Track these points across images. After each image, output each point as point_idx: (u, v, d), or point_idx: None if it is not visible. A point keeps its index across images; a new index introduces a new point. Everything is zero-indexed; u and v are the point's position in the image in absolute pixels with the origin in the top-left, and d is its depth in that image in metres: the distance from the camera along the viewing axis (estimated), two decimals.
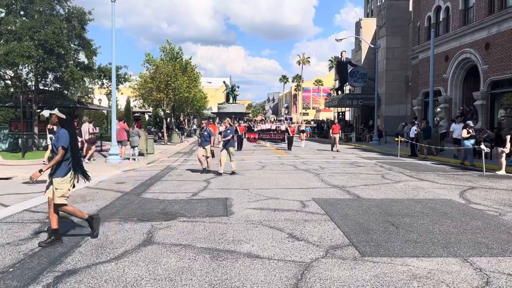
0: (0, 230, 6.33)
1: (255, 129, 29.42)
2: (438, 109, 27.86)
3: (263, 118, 48.38)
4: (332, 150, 23.60)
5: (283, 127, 28.45)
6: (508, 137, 13.28)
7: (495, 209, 7.81)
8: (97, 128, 19.39)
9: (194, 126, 52.35)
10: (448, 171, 14.00)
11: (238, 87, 66.02)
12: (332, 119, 53.14)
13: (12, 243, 5.64)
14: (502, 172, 13.27)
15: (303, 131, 30.44)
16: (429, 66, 24.00)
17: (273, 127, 30.19)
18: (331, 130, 25.04)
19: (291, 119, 54.17)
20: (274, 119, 53.46)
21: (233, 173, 12.91)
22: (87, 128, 16.65)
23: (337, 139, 24.22)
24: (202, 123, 15.32)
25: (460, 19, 25.36)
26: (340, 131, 25.51)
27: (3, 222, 6.85)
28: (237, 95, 64.27)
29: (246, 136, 26.00)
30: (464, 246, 5.46)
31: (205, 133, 13.76)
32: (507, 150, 13.29)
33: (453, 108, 26.96)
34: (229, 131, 13.32)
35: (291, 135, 25.51)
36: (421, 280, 4.30)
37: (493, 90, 22.71)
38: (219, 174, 12.80)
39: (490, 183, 11.19)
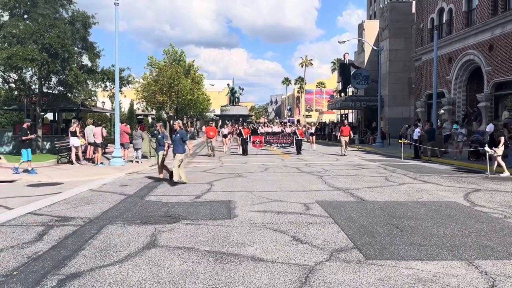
0: (4, 233, 6.35)
1: (259, 132, 28.20)
2: (442, 111, 27.80)
3: (266, 121, 48.06)
4: (342, 154, 21.68)
5: (288, 130, 27.12)
6: (502, 138, 13.27)
7: (500, 211, 7.76)
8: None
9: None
10: (452, 173, 13.94)
11: (242, 89, 65.89)
12: (335, 121, 53.05)
13: (16, 246, 5.64)
14: (506, 173, 13.20)
15: (312, 134, 27.86)
16: (432, 68, 23.97)
17: (279, 130, 28.57)
18: (339, 132, 23.10)
19: (298, 121, 53.02)
20: (279, 121, 52.68)
21: (175, 183, 11.24)
22: (100, 131, 16.99)
23: (346, 142, 22.36)
24: (156, 126, 12.76)
25: (464, 21, 25.31)
26: (350, 133, 23.37)
27: (7, 225, 6.86)
28: (237, 97, 63.91)
29: (251, 140, 23.86)
30: (469, 249, 5.43)
31: (159, 136, 12.30)
32: (498, 151, 13.24)
33: (456, 110, 26.89)
34: (162, 137, 11.64)
35: (299, 138, 23.76)
36: (426, 284, 4.27)
37: (497, 91, 22.64)
38: (173, 183, 11.28)
39: (495, 185, 11.13)
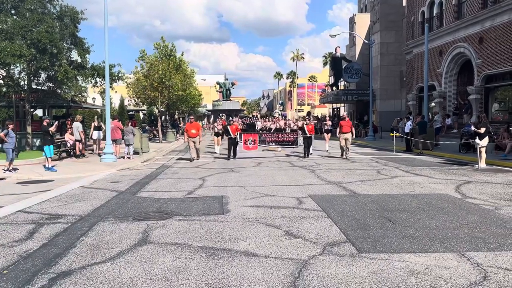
0: None
1: (259, 128, 24.89)
2: (433, 104, 27.95)
3: (258, 115, 47.21)
4: (342, 156, 16.80)
5: (293, 125, 22.93)
6: (483, 129, 13.32)
7: (491, 203, 7.82)
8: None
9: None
10: (443, 166, 14.03)
11: (233, 83, 65.36)
12: (327, 115, 52.99)
13: (5, 245, 5.57)
14: (482, 165, 13.17)
15: (327, 131, 22.22)
16: (423, 61, 24.05)
17: (280, 125, 24.62)
18: (338, 129, 17.13)
19: (309, 113, 49.16)
20: (278, 114, 48.35)
21: None
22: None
23: (349, 141, 16.68)
24: None
25: (454, 14, 25.42)
26: (352, 129, 17.12)
27: None
28: (226, 90, 62.85)
29: (242, 139, 18.28)
30: (461, 241, 5.46)
31: None
32: (481, 143, 13.23)
33: (447, 103, 27.07)
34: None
35: (308, 135, 17.78)
36: (418, 276, 4.28)
37: (487, 84, 22.81)
38: None
39: (486, 177, 11.22)
